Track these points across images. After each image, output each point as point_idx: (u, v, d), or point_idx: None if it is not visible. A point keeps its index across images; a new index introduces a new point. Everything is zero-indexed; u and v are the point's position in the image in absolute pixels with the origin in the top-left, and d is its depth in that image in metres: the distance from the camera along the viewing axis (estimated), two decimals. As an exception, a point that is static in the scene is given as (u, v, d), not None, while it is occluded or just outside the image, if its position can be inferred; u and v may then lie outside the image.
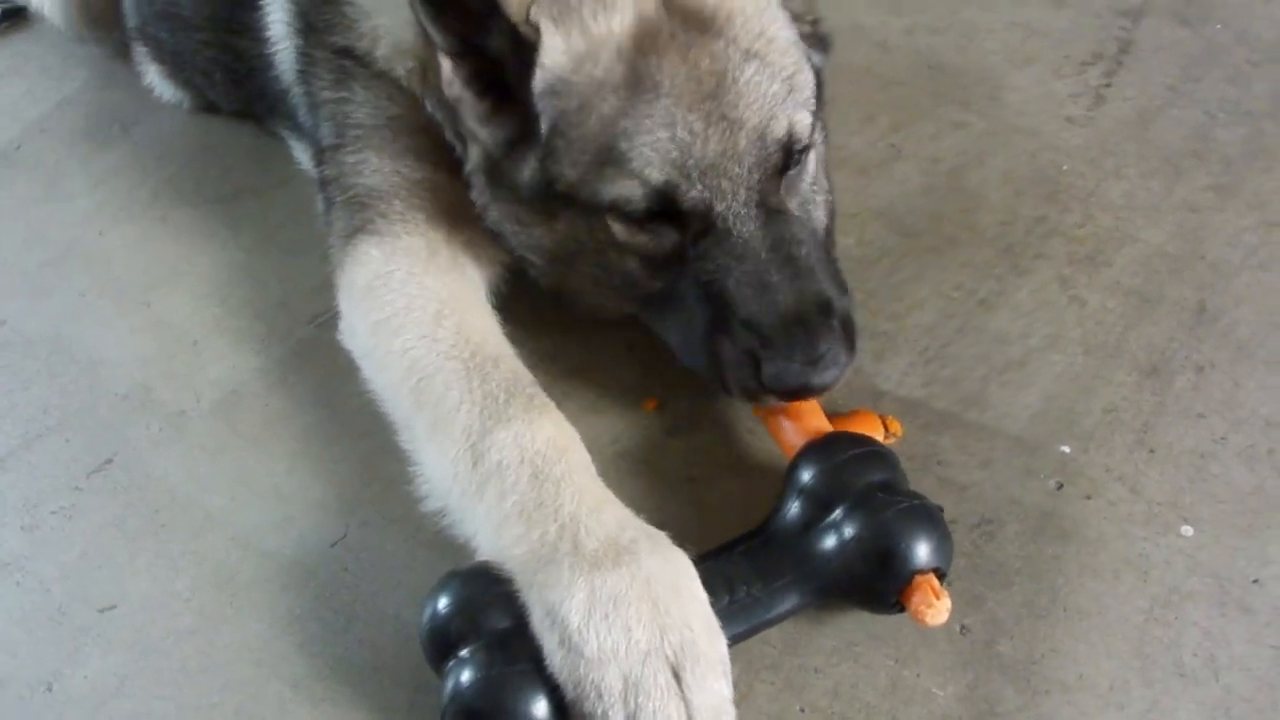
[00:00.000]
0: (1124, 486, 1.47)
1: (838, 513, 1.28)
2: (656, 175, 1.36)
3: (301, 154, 2.00)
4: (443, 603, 1.21)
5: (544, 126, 1.42)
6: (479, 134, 1.49)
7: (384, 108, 1.60)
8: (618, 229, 1.43)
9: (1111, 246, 1.80)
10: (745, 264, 1.37)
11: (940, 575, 1.27)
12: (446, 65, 1.44)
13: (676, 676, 1.13)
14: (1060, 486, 1.49)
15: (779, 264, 1.37)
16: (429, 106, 1.54)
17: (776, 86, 1.39)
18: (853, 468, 1.31)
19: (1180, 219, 1.84)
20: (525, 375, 1.42)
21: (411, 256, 1.52)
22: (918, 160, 1.97)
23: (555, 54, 1.39)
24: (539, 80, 1.40)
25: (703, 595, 1.20)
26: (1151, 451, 1.50)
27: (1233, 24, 2.26)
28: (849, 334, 1.40)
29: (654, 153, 1.35)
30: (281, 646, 1.41)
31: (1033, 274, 1.77)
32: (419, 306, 1.46)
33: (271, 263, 1.88)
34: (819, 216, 1.51)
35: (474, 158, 1.51)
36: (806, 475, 1.32)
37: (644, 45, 1.37)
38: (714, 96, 1.36)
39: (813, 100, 1.47)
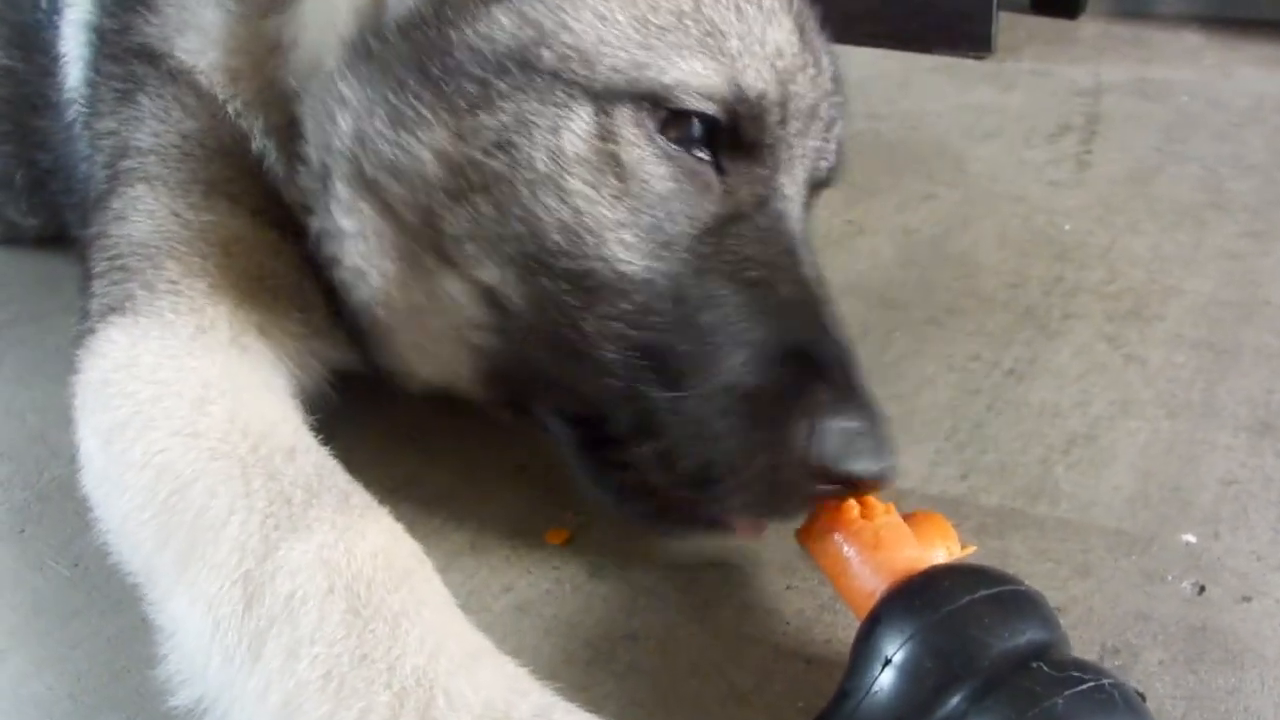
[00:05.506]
0: (1288, 579, 0.98)
1: (956, 701, 0.71)
2: (752, 79, 0.90)
3: None
4: None
5: None
6: None
7: (173, 120, 1.10)
8: (635, 135, 0.87)
9: (1156, 300, 1.40)
10: (791, 268, 0.93)
11: None
12: None
13: None
14: (1201, 590, 0.98)
15: (818, 280, 0.96)
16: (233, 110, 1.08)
17: None
18: (980, 620, 0.75)
19: (1224, 266, 1.49)
20: (338, 472, 0.87)
21: (169, 336, 0.97)
22: (886, 233, 1.58)
23: None
24: None
25: None
26: (1309, 525, 1.04)
27: (1199, 96, 2.04)
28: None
29: (760, 46, 0.92)
30: None
31: (1067, 336, 1.34)
32: (173, 394, 0.91)
33: (34, 394, 1.34)
34: None
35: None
36: (897, 637, 0.76)
37: None
38: (803, 25, 0.98)
39: None
